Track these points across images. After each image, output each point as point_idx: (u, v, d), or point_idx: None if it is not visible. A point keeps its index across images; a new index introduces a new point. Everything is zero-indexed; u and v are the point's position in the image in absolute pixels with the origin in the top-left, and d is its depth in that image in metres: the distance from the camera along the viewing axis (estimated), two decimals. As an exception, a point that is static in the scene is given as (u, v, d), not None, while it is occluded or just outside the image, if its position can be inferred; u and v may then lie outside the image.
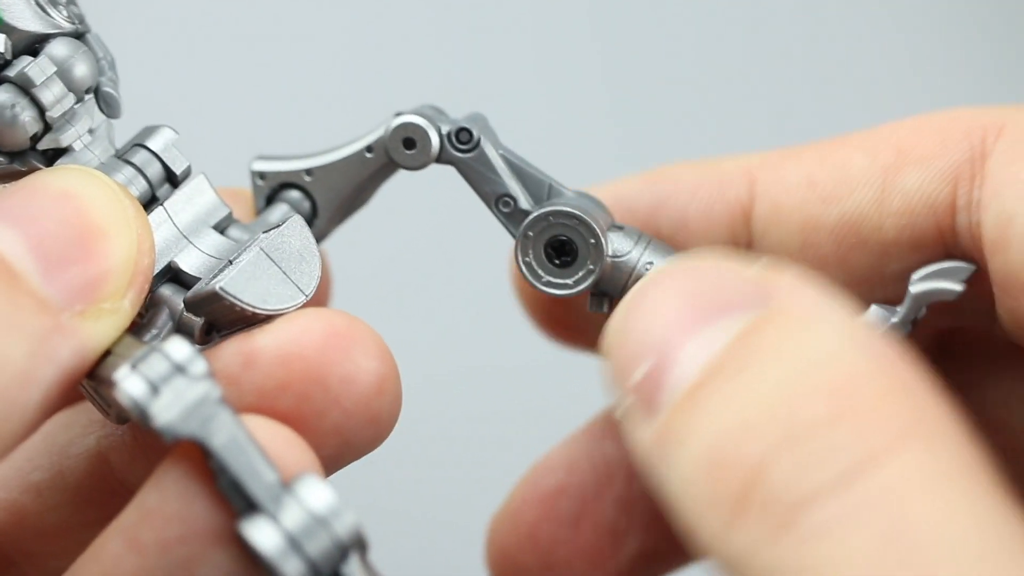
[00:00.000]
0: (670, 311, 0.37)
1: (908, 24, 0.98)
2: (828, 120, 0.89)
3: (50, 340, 0.36)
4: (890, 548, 0.30)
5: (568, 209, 0.43)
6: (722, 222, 0.44)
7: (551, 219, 0.43)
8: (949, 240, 0.42)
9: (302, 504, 0.35)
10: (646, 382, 0.36)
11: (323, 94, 0.92)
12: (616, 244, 0.43)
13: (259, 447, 0.36)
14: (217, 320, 0.40)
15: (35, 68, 0.39)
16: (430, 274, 0.90)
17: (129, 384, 0.36)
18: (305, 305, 0.41)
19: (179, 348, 0.36)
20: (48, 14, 0.40)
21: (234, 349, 0.39)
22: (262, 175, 0.45)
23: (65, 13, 0.41)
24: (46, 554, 0.44)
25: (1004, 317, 0.41)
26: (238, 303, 0.39)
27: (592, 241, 0.43)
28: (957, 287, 0.40)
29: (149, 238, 0.39)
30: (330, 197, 0.45)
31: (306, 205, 0.45)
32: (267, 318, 0.39)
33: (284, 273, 0.40)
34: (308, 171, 0.45)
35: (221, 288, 0.39)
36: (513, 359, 0.85)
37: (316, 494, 0.35)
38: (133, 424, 0.41)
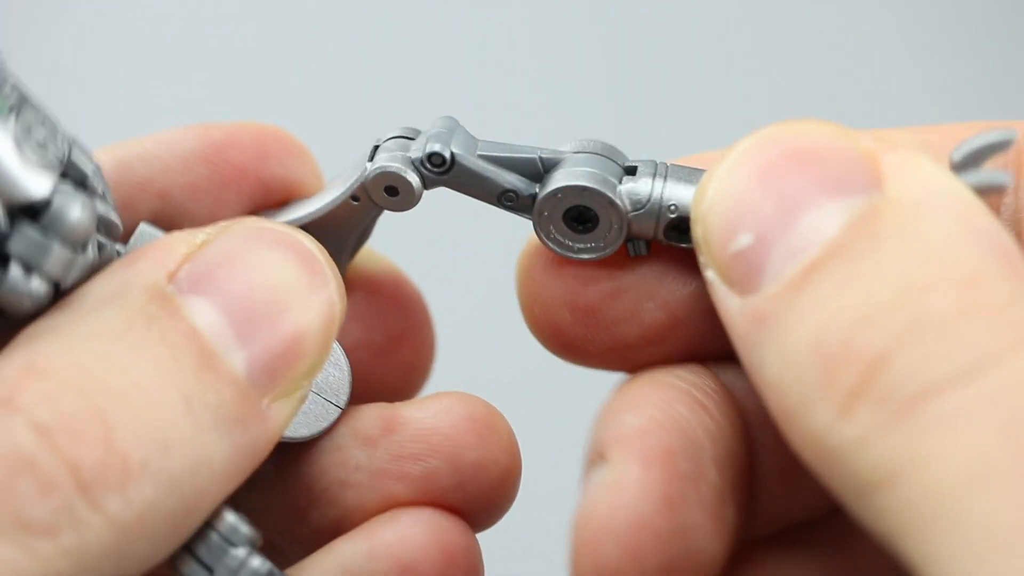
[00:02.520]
0: (779, 180, 0.35)
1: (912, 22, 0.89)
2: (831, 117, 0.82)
3: (248, 432, 0.35)
4: (1009, 440, 0.30)
5: (573, 184, 0.40)
6: None
7: (560, 196, 0.40)
8: None
9: None
10: (748, 253, 0.35)
11: (331, 83, 0.88)
12: (633, 195, 0.40)
13: None
14: None
15: (54, 260, 0.35)
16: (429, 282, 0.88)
17: (188, 570, 0.36)
18: None
19: (225, 520, 0.36)
20: (38, 163, 0.35)
21: (377, 414, 0.40)
22: None
23: (52, 153, 0.36)
24: None
25: None
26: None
27: (607, 204, 0.40)
28: (1006, 180, 0.37)
29: (343, 303, 0.38)
30: (334, 249, 0.42)
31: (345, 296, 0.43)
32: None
33: (317, 393, 0.40)
34: (302, 229, 0.43)
35: None
36: (516, 369, 0.83)
37: None
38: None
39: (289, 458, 0.41)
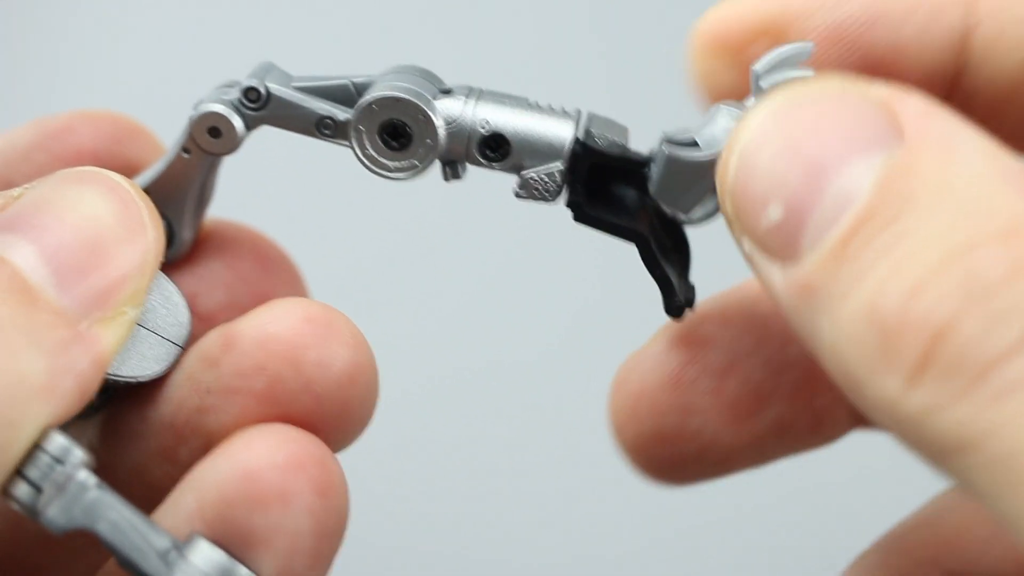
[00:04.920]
0: (800, 146, 0.35)
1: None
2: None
3: (69, 352, 0.36)
4: None
5: (388, 94, 0.41)
6: (938, 46, 0.41)
7: (375, 107, 0.41)
8: None
9: (193, 570, 0.36)
10: (782, 225, 0.35)
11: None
12: (447, 110, 0.41)
13: (145, 521, 0.37)
14: (108, 387, 0.40)
15: None
16: (418, 272, 0.89)
17: (17, 491, 0.36)
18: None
19: (55, 441, 0.36)
20: None
21: (217, 333, 0.40)
22: None
23: None
24: (48, 564, 0.44)
25: None
26: (120, 379, 0.40)
27: (421, 118, 0.41)
28: (808, 73, 0.38)
29: (163, 239, 0.40)
30: (177, 208, 0.44)
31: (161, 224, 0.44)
32: (152, 381, 0.41)
33: (154, 333, 0.41)
34: (144, 191, 0.44)
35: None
36: (510, 355, 0.85)
37: (205, 557, 0.37)
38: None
39: (148, 404, 0.41)
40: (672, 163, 0.40)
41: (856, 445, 0.47)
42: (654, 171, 0.41)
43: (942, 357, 0.32)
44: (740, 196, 0.36)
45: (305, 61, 0.87)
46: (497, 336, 0.86)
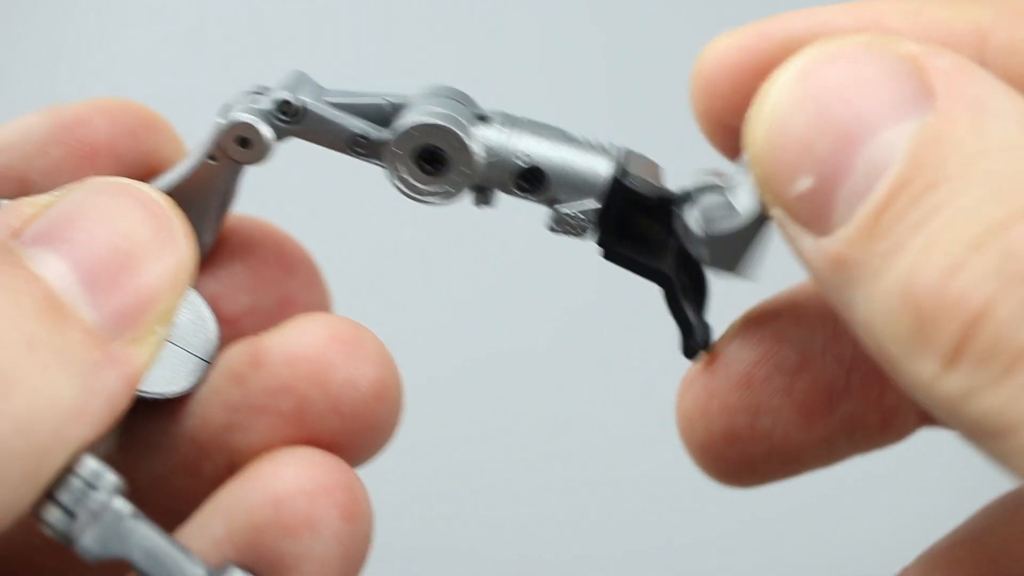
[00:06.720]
0: (828, 112, 0.34)
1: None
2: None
3: (100, 374, 0.36)
4: None
5: (427, 120, 0.41)
6: None
7: (414, 133, 0.41)
8: None
9: None
10: (813, 195, 0.34)
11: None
12: (485, 141, 0.41)
13: (180, 549, 0.37)
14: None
15: None
16: (426, 270, 0.88)
17: (49, 516, 0.36)
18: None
19: (87, 465, 0.36)
20: None
21: (243, 349, 0.40)
22: None
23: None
24: (54, 568, 0.43)
25: None
26: (146, 395, 0.39)
27: (459, 146, 0.41)
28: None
29: (195, 256, 0.39)
30: (199, 214, 0.43)
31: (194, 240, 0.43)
32: (178, 398, 0.40)
33: (182, 348, 0.40)
34: (166, 194, 0.43)
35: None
36: (515, 352, 0.84)
37: None
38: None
39: (171, 417, 0.41)
40: (715, 241, 0.40)
41: (899, 460, 0.47)
42: (704, 254, 0.41)
43: (978, 342, 0.31)
44: (769, 164, 0.35)
45: (314, 54, 0.87)
46: (502, 333, 0.86)
